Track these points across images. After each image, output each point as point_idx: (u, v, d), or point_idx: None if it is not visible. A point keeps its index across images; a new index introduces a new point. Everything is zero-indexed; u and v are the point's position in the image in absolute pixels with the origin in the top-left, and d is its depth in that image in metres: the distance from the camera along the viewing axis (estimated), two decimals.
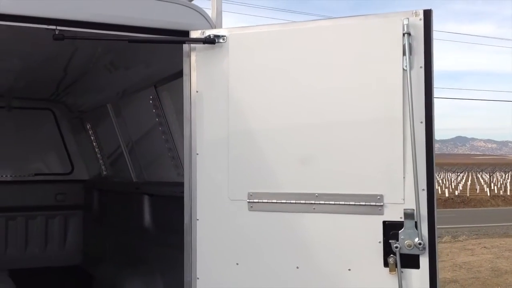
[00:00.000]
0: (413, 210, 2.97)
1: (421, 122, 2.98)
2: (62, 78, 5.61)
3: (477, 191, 39.13)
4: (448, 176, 51.07)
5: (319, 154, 3.20)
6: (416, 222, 2.97)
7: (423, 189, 2.98)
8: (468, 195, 36.13)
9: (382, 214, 3.06)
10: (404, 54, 2.99)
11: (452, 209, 30.03)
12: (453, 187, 40.61)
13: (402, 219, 3.01)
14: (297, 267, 3.21)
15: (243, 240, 3.34)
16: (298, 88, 3.24)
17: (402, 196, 3.02)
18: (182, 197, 3.50)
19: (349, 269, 3.11)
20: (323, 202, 3.17)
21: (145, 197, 5.66)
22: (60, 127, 7.44)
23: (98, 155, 6.89)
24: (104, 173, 6.95)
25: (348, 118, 3.14)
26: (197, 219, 3.43)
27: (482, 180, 47.56)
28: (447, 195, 35.21)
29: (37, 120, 7.38)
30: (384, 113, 3.06)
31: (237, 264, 3.33)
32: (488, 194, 36.77)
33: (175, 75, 4.05)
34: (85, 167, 7.54)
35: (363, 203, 3.09)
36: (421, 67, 2.99)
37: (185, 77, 3.46)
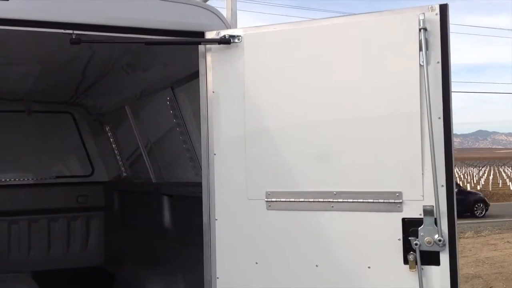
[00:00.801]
0: (433, 206, 2.95)
1: (439, 118, 2.96)
2: (81, 81, 5.67)
3: (500, 186, 38.63)
4: (470, 171, 50.50)
5: (336, 152, 3.19)
6: (435, 219, 2.95)
7: (442, 185, 2.95)
8: (490, 189, 35.69)
9: (401, 211, 3.04)
10: (420, 49, 2.97)
11: None
12: (475, 182, 40.16)
13: (422, 216, 2.99)
14: (316, 266, 3.21)
15: (262, 239, 3.35)
16: (314, 86, 3.24)
17: (421, 192, 3.00)
18: (201, 197, 3.52)
19: (369, 267, 3.10)
20: (341, 200, 3.17)
21: (165, 198, 5.70)
22: (79, 130, 7.52)
23: (118, 157, 6.96)
24: (124, 174, 7.01)
25: (365, 115, 3.13)
26: (216, 219, 3.45)
27: (504, 174, 46.94)
28: (469, 190, 34.84)
29: (56, 123, 7.47)
30: (401, 109, 3.04)
31: (256, 263, 3.34)
32: (511, 188, 36.26)
33: (191, 76, 4.07)
34: (105, 169, 7.61)
35: (382, 201, 3.08)
36: (438, 62, 2.96)
37: (201, 77, 3.48)
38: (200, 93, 3.49)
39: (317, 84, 3.23)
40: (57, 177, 7.47)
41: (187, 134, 4.68)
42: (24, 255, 7.21)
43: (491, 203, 26.58)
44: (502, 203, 31.71)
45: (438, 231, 2.94)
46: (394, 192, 3.05)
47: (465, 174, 46.43)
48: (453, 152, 2.98)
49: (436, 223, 2.95)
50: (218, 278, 3.42)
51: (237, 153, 3.40)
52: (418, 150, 3.00)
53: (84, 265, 7.41)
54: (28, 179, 7.34)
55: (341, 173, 3.18)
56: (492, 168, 55.48)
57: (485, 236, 15.82)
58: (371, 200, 3.10)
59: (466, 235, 15.81)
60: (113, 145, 6.94)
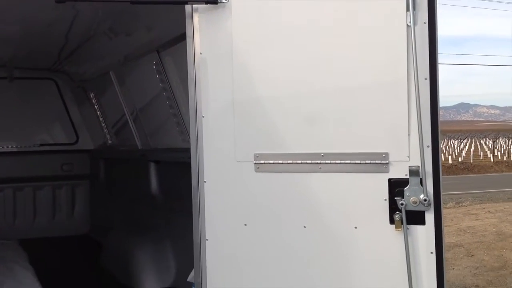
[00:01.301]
0: (418, 167, 2.98)
1: (426, 79, 2.97)
2: (63, 45, 5.59)
3: (481, 158, 39.18)
4: (452, 143, 51.06)
5: (324, 114, 3.20)
6: (421, 179, 2.99)
7: (428, 146, 2.98)
8: (471, 161, 36.19)
9: (388, 172, 3.07)
10: (408, 9, 2.96)
11: (455, 176, 30.11)
12: (456, 154, 40.65)
13: (407, 176, 3.02)
14: (304, 226, 3.24)
15: (250, 201, 3.37)
16: (302, 48, 3.22)
17: (407, 153, 3.03)
18: (189, 163, 3.52)
19: (356, 227, 3.14)
20: (329, 161, 3.19)
21: (151, 164, 5.70)
22: (63, 97, 7.45)
23: (103, 124, 6.92)
24: (109, 142, 6.99)
25: (352, 77, 3.13)
26: (205, 182, 3.45)
27: (485, 147, 47.57)
28: (450, 162, 35.27)
29: (39, 90, 7.39)
30: (388, 70, 3.05)
31: (245, 225, 3.37)
32: (492, 160, 36.82)
33: (178, 38, 4.03)
34: (90, 136, 7.58)
35: (369, 161, 3.11)
36: (425, 22, 2.96)
37: (188, 40, 3.44)
38: (188, 55, 3.46)
39: (306, 46, 3.22)
40: (41, 145, 7.43)
41: (174, 99, 4.66)
42: (10, 223, 7.20)
43: (472, 175, 26.96)
44: (483, 174, 32.20)
45: (423, 191, 2.98)
46: (381, 153, 3.08)
47: (447, 147, 46.92)
48: (439, 113, 3.01)
49: (421, 183, 2.99)
50: (207, 240, 3.44)
51: (225, 115, 3.39)
52: (404, 111, 3.02)
53: (70, 233, 7.43)
54: (12, 147, 7.28)
55: (329, 135, 3.20)
56: (473, 140, 56.13)
57: (466, 206, 16.08)
58: (358, 161, 3.13)
59: (448, 205, 16.06)
60: (98, 112, 6.89)
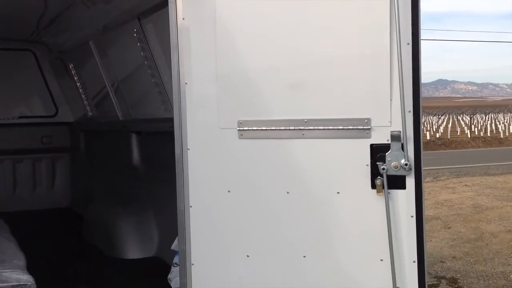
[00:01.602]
0: (400, 132, 3.02)
1: (408, 44, 2.98)
2: (42, 15, 5.49)
3: (458, 133, 39.66)
4: (430, 120, 51.60)
5: (307, 80, 3.21)
6: (402, 144, 3.03)
7: (410, 111, 3.01)
8: (449, 137, 36.63)
9: (370, 137, 3.10)
10: None
11: (433, 151, 30.46)
12: (434, 130, 41.09)
13: (389, 142, 3.05)
14: (287, 192, 3.27)
15: (234, 168, 3.38)
16: (286, 16, 3.21)
17: (389, 119, 3.06)
18: (171, 132, 3.51)
19: (338, 192, 3.18)
20: (312, 127, 3.21)
21: (133, 135, 5.67)
22: (42, 69, 7.33)
23: (83, 96, 6.84)
24: (90, 114, 6.92)
25: (335, 44, 3.14)
26: (188, 149, 3.45)
27: (462, 123, 48.17)
28: (428, 138, 35.65)
29: (17, 62, 7.27)
30: (371, 35, 3.06)
31: (228, 191, 3.39)
32: (469, 136, 37.33)
33: (159, 5, 3.98)
34: (70, 109, 7.49)
35: (351, 127, 3.13)
36: None
37: (170, 5, 3.40)
38: (170, 21, 3.42)
39: (289, 15, 3.21)
40: (20, 117, 7.33)
41: (156, 68, 4.62)
42: None
43: (449, 151, 27.26)
44: (461, 150, 32.63)
45: (404, 156, 3.02)
46: (363, 119, 3.11)
47: (425, 123, 47.41)
48: (421, 78, 3.04)
49: (403, 148, 3.03)
50: (191, 207, 3.46)
51: (208, 82, 3.38)
52: (387, 77, 3.04)
53: (51, 206, 7.39)
54: None
55: (312, 101, 3.21)
56: (451, 116, 56.72)
57: (443, 180, 16.31)
58: (341, 127, 3.15)
59: (425, 180, 16.25)
60: (78, 84, 6.81)
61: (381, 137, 3.08)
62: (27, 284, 3.79)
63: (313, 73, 3.20)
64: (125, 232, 5.11)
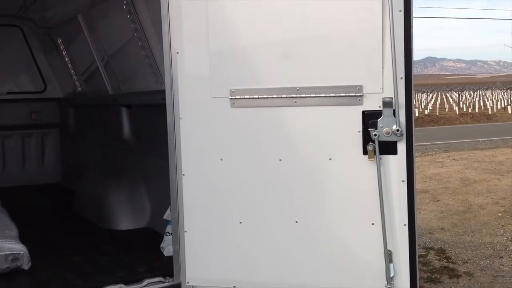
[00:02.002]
0: (391, 98, 3.04)
1: (400, 11, 3.00)
2: None
3: (446, 110, 39.88)
4: (418, 97, 51.77)
5: (299, 48, 3.22)
6: (394, 110, 3.06)
7: (401, 78, 3.04)
8: (437, 114, 36.83)
9: (362, 104, 3.13)
10: None
11: (422, 128, 30.64)
12: (422, 107, 41.28)
13: (381, 108, 3.08)
14: (280, 160, 3.30)
15: (226, 136, 3.40)
16: None
17: (381, 85, 3.09)
18: (162, 104, 3.50)
19: (330, 159, 3.21)
20: (304, 95, 3.22)
21: (123, 109, 5.65)
22: (29, 44, 7.26)
23: (71, 71, 6.79)
24: (79, 89, 6.88)
25: (327, 10, 3.14)
26: (180, 118, 3.46)
27: (451, 99, 48.41)
28: (417, 114, 35.81)
29: (4, 37, 7.19)
30: (363, 3, 3.07)
31: (221, 159, 3.40)
32: (457, 113, 37.55)
33: None
34: (58, 84, 7.44)
35: (343, 94, 3.15)
36: None
37: None
38: None
39: None
40: (8, 93, 7.28)
41: (146, 40, 4.59)
42: None
43: (438, 127, 27.42)
44: (449, 126, 32.85)
45: (396, 122, 3.05)
46: (355, 86, 3.13)
47: (414, 100, 47.38)
48: (413, 45, 3.06)
49: (394, 114, 3.06)
50: (184, 175, 3.47)
51: (200, 50, 3.37)
52: (378, 44, 3.06)
53: (41, 182, 7.38)
54: None
55: (304, 69, 3.22)
56: (439, 93, 56.92)
57: (432, 155, 16.45)
58: (333, 95, 3.17)
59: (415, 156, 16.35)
60: (66, 59, 6.75)
61: (373, 103, 3.11)
62: (20, 253, 3.81)
63: (305, 41, 3.20)
64: (117, 203, 5.12)
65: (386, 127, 3.07)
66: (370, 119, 3.11)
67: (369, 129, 3.10)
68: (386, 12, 3.01)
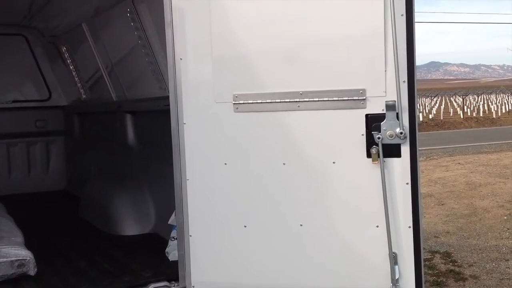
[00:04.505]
0: (395, 101, 3.06)
1: (402, 15, 3.02)
2: None
3: (451, 114, 39.81)
4: (422, 101, 51.71)
5: (302, 52, 3.24)
6: (397, 113, 3.07)
7: (404, 81, 3.06)
8: (442, 118, 36.77)
9: (365, 107, 3.14)
10: None
11: (426, 132, 30.59)
12: (427, 111, 41.21)
13: (384, 111, 3.10)
14: (284, 164, 3.31)
15: (230, 141, 3.41)
16: None
17: (384, 89, 3.10)
18: (166, 110, 3.52)
19: (334, 162, 3.22)
20: (307, 99, 3.24)
21: (128, 116, 5.68)
22: (34, 53, 7.32)
23: (76, 79, 6.83)
24: (84, 96, 6.92)
25: (329, 14, 3.16)
26: (184, 123, 3.47)
27: (455, 104, 48.33)
28: (421, 119, 35.75)
29: (10, 46, 7.24)
30: (365, 7, 3.09)
31: (225, 164, 3.42)
32: (462, 117, 37.48)
33: None
34: (63, 92, 7.49)
35: (346, 98, 3.17)
36: None
37: None
38: None
39: None
40: (14, 101, 7.33)
41: (149, 47, 4.62)
42: None
43: (442, 131, 27.36)
44: (453, 130, 32.78)
45: (399, 125, 3.07)
46: (358, 90, 3.15)
47: (418, 105, 47.30)
48: (415, 48, 3.07)
49: (397, 118, 3.07)
50: (188, 180, 3.49)
51: (203, 57, 3.39)
52: (381, 48, 3.08)
53: (46, 189, 7.42)
54: None
55: (307, 73, 3.24)
56: (443, 98, 56.83)
57: (437, 159, 16.42)
58: (336, 98, 3.19)
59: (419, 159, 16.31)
60: (71, 67, 6.80)
61: (376, 107, 3.12)
62: (26, 259, 3.82)
63: (308, 46, 3.22)
64: (122, 209, 5.15)
65: (390, 130, 3.09)
66: (373, 122, 3.13)
67: (372, 132, 3.11)
68: (388, 16, 3.03)
